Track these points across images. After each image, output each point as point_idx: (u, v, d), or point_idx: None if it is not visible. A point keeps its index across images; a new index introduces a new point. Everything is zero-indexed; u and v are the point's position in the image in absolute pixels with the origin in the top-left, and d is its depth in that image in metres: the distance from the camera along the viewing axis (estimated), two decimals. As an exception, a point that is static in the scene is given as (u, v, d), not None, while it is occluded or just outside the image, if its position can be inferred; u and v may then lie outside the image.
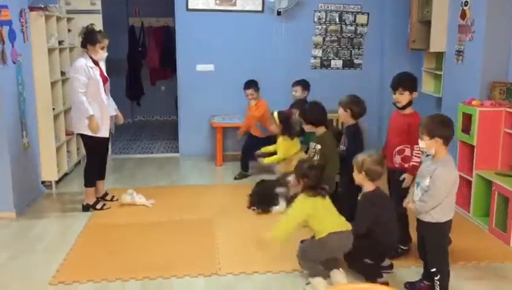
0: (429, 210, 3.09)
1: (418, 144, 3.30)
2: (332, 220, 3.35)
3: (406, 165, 3.67)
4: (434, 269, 3.16)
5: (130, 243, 4.13)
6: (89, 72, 4.62)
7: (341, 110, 4.17)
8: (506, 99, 4.65)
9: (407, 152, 3.70)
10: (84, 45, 4.74)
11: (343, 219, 3.40)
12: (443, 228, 3.15)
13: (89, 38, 4.70)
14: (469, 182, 4.71)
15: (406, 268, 3.70)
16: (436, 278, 3.16)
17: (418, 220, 3.23)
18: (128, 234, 4.32)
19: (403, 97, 3.70)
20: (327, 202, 3.41)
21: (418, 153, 3.57)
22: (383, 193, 3.47)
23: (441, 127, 3.03)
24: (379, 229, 3.30)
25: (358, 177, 3.36)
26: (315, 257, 3.36)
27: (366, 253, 3.41)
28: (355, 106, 4.10)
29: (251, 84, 6.23)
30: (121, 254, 3.94)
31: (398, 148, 3.74)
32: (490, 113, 4.54)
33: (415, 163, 3.58)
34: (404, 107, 3.74)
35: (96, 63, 4.75)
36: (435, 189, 3.02)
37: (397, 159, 3.75)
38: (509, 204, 4.07)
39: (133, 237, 4.27)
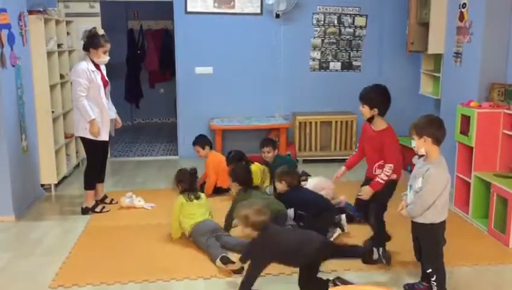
0: (422, 213, 3.07)
1: (391, 162, 3.48)
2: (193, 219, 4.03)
3: (376, 179, 3.59)
4: (430, 270, 3.17)
5: (129, 246, 4.13)
6: (90, 76, 4.62)
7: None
8: (504, 100, 4.67)
9: None
10: (86, 48, 4.73)
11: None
12: (437, 229, 3.14)
13: (92, 42, 4.69)
14: (468, 184, 4.72)
15: (404, 268, 3.70)
16: (432, 279, 3.16)
17: (412, 222, 3.23)
18: (127, 237, 4.32)
19: (364, 110, 3.64)
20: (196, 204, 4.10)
21: (387, 172, 3.54)
22: (273, 232, 3.29)
23: (429, 127, 3.02)
24: (280, 260, 3.26)
25: (246, 231, 3.27)
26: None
27: None
28: (291, 177, 4.34)
29: (195, 141, 5.67)
30: (120, 256, 3.94)
31: (377, 164, 3.67)
32: (488, 114, 4.54)
33: (381, 181, 3.55)
34: (370, 120, 3.66)
35: (97, 66, 4.76)
36: (426, 189, 3.01)
37: (378, 172, 3.65)
38: (508, 205, 4.07)
39: (132, 240, 4.27)
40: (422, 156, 3.16)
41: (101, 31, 4.76)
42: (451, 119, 5.13)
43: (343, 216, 4.36)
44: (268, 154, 5.33)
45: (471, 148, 4.64)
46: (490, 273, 3.70)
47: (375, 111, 3.58)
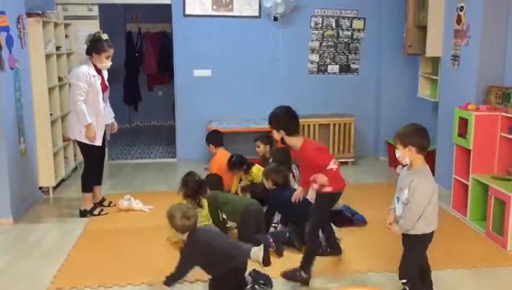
0: (413, 225, 2.97)
1: (317, 171, 3.43)
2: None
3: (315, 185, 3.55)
4: (405, 281, 3.08)
5: (127, 249, 4.13)
6: (90, 80, 4.61)
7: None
8: (502, 103, 4.68)
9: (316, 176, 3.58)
10: (89, 52, 4.71)
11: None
12: (427, 239, 3.05)
13: (95, 46, 4.67)
14: (466, 186, 4.73)
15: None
16: (408, 286, 3.09)
17: (403, 235, 3.09)
18: (125, 240, 4.32)
19: (274, 134, 3.59)
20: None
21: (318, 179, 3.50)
22: (203, 235, 3.37)
23: (414, 136, 2.96)
24: (213, 263, 3.28)
25: (178, 236, 3.41)
26: None
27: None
28: (275, 174, 4.36)
29: (207, 138, 5.67)
30: (119, 259, 3.94)
31: (310, 179, 3.60)
32: (486, 117, 4.56)
33: (315, 185, 3.51)
34: (283, 142, 3.63)
35: (99, 71, 4.75)
36: (413, 201, 2.94)
37: (314, 186, 3.58)
38: (505, 208, 4.08)
39: (131, 242, 4.27)
40: (406, 165, 3.09)
41: (104, 36, 4.73)
42: (449, 122, 5.15)
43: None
44: (258, 148, 5.57)
45: (469, 150, 4.65)
46: (488, 276, 3.71)
47: (282, 133, 3.51)
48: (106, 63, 4.76)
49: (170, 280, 3.32)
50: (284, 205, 4.21)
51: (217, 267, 3.24)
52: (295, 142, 3.52)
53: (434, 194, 2.99)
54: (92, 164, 4.87)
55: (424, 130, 3.02)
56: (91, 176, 4.91)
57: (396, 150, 3.06)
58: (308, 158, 3.50)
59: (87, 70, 4.62)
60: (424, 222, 2.98)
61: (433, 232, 3.05)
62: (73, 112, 4.72)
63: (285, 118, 3.54)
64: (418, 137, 2.97)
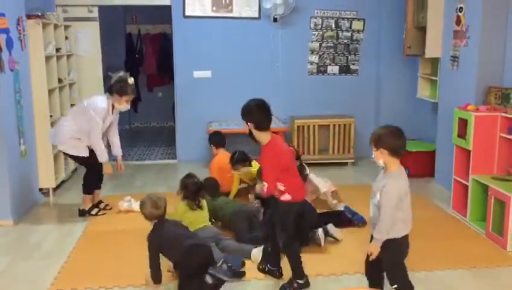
0: (388, 231, 2.84)
1: (265, 180, 3.33)
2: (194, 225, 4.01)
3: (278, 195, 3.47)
4: (396, 286, 2.94)
5: (127, 250, 4.13)
6: (104, 116, 4.71)
7: None
8: (501, 104, 4.68)
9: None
10: (111, 91, 4.76)
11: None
12: (399, 244, 2.91)
13: (119, 88, 4.70)
14: (465, 187, 4.73)
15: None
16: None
17: (372, 237, 2.95)
18: (125, 241, 4.32)
19: (247, 126, 3.47)
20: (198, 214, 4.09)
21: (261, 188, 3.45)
22: (167, 225, 3.53)
23: (386, 138, 2.85)
24: (169, 248, 3.40)
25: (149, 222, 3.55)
26: None
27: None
28: None
29: (209, 139, 5.67)
30: (119, 260, 3.94)
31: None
32: (486, 118, 4.56)
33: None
34: (252, 136, 3.50)
35: (113, 109, 4.82)
36: (383, 209, 2.82)
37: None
38: (505, 208, 4.08)
39: (131, 243, 4.26)
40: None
41: (131, 80, 4.75)
42: (448, 123, 5.15)
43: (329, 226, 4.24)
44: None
45: (469, 151, 4.65)
46: (488, 276, 3.70)
47: (251, 126, 3.40)
48: (125, 106, 4.81)
49: (152, 275, 3.44)
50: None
51: (173, 255, 3.38)
52: (263, 138, 3.40)
53: (404, 199, 2.85)
54: (92, 167, 4.89)
55: (398, 133, 2.88)
56: (92, 179, 4.96)
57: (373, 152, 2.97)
58: (267, 157, 3.38)
59: (106, 107, 4.70)
60: (395, 229, 2.86)
61: (406, 236, 2.91)
62: (69, 120, 4.76)
63: (257, 112, 3.41)
64: (391, 139, 2.85)
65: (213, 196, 4.59)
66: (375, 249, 2.89)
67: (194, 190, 4.14)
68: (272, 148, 3.39)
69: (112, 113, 4.83)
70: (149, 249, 3.44)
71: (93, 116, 4.61)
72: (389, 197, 2.81)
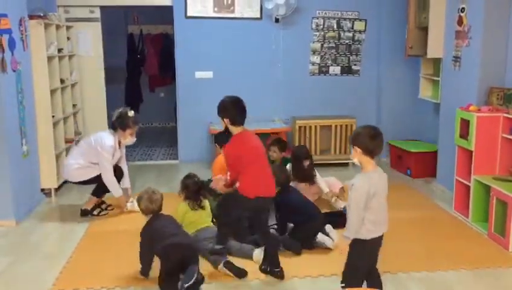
0: (354, 233, 2.81)
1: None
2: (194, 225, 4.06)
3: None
4: (343, 285, 2.91)
5: (129, 250, 4.11)
6: (113, 153, 4.80)
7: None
8: (503, 104, 4.68)
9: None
10: (114, 127, 4.83)
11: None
12: (363, 247, 2.85)
13: (121, 122, 4.80)
14: (467, 187, 4.73)
15: (406, 273, 3.70)
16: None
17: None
18: (127, 241, 4.30)
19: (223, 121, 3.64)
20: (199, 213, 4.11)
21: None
22: (160, 220, 3.60)
23: (361, 137, 2.84)
24: (156, 241, 3.44)
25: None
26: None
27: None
28: (279, 172, 4.38)
29: (216, 139, 5.58)
30: (121, 261, 3.94)
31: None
32: (488, 118, 4.56)
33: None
34: (227, 131, 3.70)
35: (119, 144, 4.90)
36: (350, 204, 2.82)
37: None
38: (507, 209, 4.08)
39: (133, 244, 4.22)
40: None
41: (131, 113, 4.87)
42: (450, 123, 5.15)
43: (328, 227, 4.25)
44: (274, 153, 5.41)
45: (471, 152, 4.65)
46: (490, 277, 3.70)
47: (227, 121, 3.59)
48: (130, 140, 4.92)
49: (141, 268, 3.57)
50: (294, 208, 4.21)
51: (156, 250, 3.42)
52: (234, 132, 3.61)
53: (372, 200, 2.80)
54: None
55: (375, 133, 2.86)
56: (105, 186, 4.94)
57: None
58: (226, 150, 3.62)
59: (113, 144, 4.78)
60: (363, 229, 2.83)
61: (374, 240, 2.87)
62: (74, 162, 4.85)
63: (232, 108, 3.60)
64: (366, 139, 2.83)
65: (217, 196, 4.59)
66: (343, 248, 2.92)
67: (194, 190, 4.14)
68: (236, 140, 3.57)
69: (119, 147, 4.93)
70: (140, 242, 3.58)
71: (101, 152, 4.73)
72: (356, 196, 2.79)
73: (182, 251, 3.41)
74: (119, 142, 4.91)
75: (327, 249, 4.07)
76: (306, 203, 4.36)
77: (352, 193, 2.81)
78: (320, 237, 4.11)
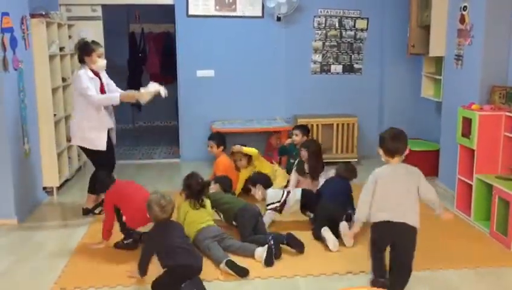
0: (361, 214, 3.25)
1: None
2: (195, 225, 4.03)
3: None
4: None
5: (131, 249, 4.14)
6: (89, 81, 4.60)
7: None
8: (505, 103, 4.67)
9: None
10: (81, 59, 4.71)
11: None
12: (373, 228, 3.24)
13: (84, 50, 4.67)
14: (469, 186, 4.72)
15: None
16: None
17: None
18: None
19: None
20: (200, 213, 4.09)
21: None
22: (165, 227, 3.50)
23: (384, 140, 3.20)
24: (166, 254, 3.39)
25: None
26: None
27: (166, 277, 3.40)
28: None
29: (212, 136, 5.69)
30: (123, 260, 3.94)
31: None
32: (490, 117, 4.55)
33: None
34: None
35: (96, 74, 4.73)
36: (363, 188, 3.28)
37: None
38: (510, 208, 4.07)
39: (135, 242, 4.27)
40: None
41: (88, 39, 4.76)
42: (452, 122, 5.14)
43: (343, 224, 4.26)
44: (296, 137, 5.68)
45: (473, 150, 4.64)
46: (492, 276, 3.70)
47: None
48: (101, 62, 4.73)
49: (139, 267, 3.52)
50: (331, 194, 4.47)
51: (164, 260, 3.38)
52: None
53: (378, 183, 3.17)
54: (103, 166, 4.86)
55: (396, 136, 3.19)
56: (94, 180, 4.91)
57: None
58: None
59: (85, 72, 4.61)
60: (371, 211, 3.20)
61: (377, 225, 3.19)
62: (74, 116, 4.75)
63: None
64: (388, 141, 3.18)
65: (227, 191, 4.69)
66: (355, 229, 3.47)
67: (197, 189, 4.13)
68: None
69: (99, 77, 4.74)
70: (144, 246, 3.57)
71: (79, 86, 4.55)
72: (368, 181, 3.24)
73: (193, 273, 3.40)
74: (94, 72, 4.70)
75: (328, 249, 4.06)
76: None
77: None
78: (327, 234, 4.11)
